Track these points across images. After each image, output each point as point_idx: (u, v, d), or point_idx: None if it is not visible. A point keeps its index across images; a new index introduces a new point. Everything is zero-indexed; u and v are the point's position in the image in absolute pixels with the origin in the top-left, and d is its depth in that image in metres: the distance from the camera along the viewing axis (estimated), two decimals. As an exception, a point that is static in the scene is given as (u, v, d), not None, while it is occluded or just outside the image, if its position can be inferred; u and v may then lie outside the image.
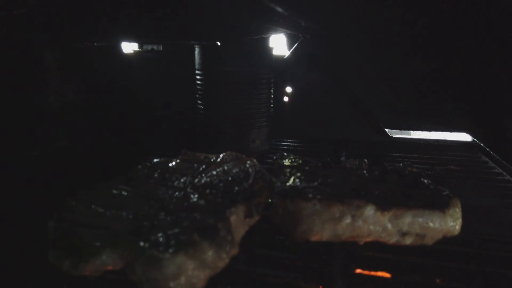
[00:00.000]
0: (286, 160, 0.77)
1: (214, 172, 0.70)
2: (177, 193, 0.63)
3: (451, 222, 0.60)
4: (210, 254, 0.49)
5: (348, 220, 0.58)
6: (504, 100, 1.12)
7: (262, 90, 1.09)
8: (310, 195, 0.59)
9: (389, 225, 0.59)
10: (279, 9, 0.75)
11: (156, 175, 0.71)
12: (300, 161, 0.77)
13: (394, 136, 1.35)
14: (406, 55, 1.22)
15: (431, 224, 0.59)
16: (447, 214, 0.60)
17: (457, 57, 1.17)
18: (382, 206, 0.59)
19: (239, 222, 0.57)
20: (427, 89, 1.25)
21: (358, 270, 0.60)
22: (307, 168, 0.73)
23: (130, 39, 1.13)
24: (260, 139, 1.12)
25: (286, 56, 1.33)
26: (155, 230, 0.52)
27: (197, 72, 1.10)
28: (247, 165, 0.71)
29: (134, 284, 0.49)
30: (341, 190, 0.63)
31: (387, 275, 0.59)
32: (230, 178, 0.66)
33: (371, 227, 0.59)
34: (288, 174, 0.70)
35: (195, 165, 0.75)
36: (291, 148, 1.27)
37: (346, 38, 1.27)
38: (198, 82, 1.10)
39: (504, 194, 0.89)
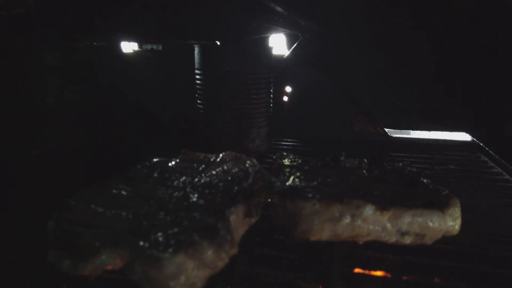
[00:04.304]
0: (286, 160, 0.77)
1: (214, 172, 0.70)
2: (176, 192, 0.63)
3: (451, 222, 0.60)
4: (209, 253, 0.49)
5: (347, 219, 0.58)
6: (503, 100, 1.12)
7: (261, 90, 1.09)
8: (310, 195, 0.59)
9: (388, 225, 0.59)
10: (279, 9, 0.75)
11: (155, 175, 0.71)
12: (300, 161, 0.77)
13: (394, 136, 1.35)
14: (406, 55, 1.23)
15: (431, 224, 0.59)
16: (447, 213, 0.60)
17: (457, 56, 1.17)
18: (382, 205, 0.59)
19: (238, 221, 0.57)
20: (427, 89, 1.25)
21: (358, 270, 0.60)
22: (306, 167, 0.73)
23: (129, 38, 1.13)
24: (260, 138, 1.12)
25: (286, 56, 1.33)
26: (154, 230, 0.52)
27: (196, 72, 1.10)
28: (247, 165, 0.71)
29: (134, 284, 0.49)
30: (340, 189, 0.63)
31: (387, 274, 0.59)
32: (229, 178, 0.66)
33: (371, 226, 0.59)
34: (287, 174, 0.70)
35: (195, 164, 0.75)
36: (290, 148, 1.27)
37: (346, 37, 1.27)
38: (198, 82, 1.10)
39: (503, 193, 0.89)
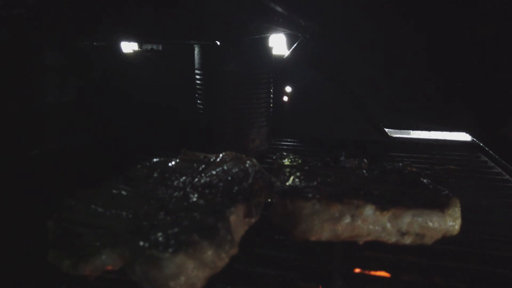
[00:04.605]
0: (286, 160, 0.77)
1: (214, 172, 0.70)
2: (176, 192, 0.63)
3: (451, 222, 0.60)
4: (209, 253, 0.49)
5: (347, 219, 0.58)
6: (503, 100, 1.12)
7: (261, 90, 1.09)
8: (310, 195, 0.59)
9: (388, 225, 0.59)
10: (279, 9, 0.75)
11: (155, 175, 0.71)
12: (300, 161, 0.77)
13: (394, 136, 1.35)
14: (406, 55, 1.22)
15: (431, 224, 0.59)
16: (447, 213, 0.60)
17: (457, 57, 1.17)
18: (382, 205, 0.59)
19: (238, 221, 0.57)
20: (427, 89, 1.25)
21: (358, 270, 0.60)
22: (306, 167, 0.74)
23: (129, 38, 1.13)
24: (260, 138, 1.12)
25: (286, 56, 1.33)
26: (154, 230, 0.52)
27: (196, 72, 1.10)
28: (247, 165, 0.71)
29: (134, 284, 0.49)
30: (340, 189, 0.63)
31: (386, 274, 0.59)
32: (229, 178, 0.66)
33: (371, 226, 0.59)
34: (287, 174, 0.70)
35: (195, 164, 0.75)
36: (290, 148, 1.27)
37: (346, 37, 1.27)
38: (198, 82, 1.10)
39: (503, 193, 0.89)
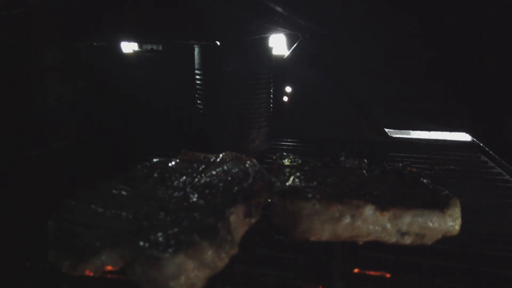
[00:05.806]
0: (286, 160, 0.77)
1: (214, 172, 0.70)
2: (176, 193, 0.63)
3: (451, 222, 0.60)
4: (209, 254, 0.49)
5: (347, 220, 0.58)
6: (503, 100, 1.12)
7: (261, 90, 1.09)
8: (310, 195, 0.59)
9: (388, 225, 0.59)
10: (279, 9, 0.75)
11: (155, 175, 0.71)
12: (300, 161, 0.77)
13: (394, 136, 1.35)
14: (406, 55, 1.23)
15: (431, 224, 0.59)
16: (447, 214, 0.60)
17: (457, 56, 1.17)
18: (382, 206, 0.59)
19: (238, 222, 0.57)
20: (427, 89, 1.25)
21: (358, 270, 0.60)
22: (306, 168, 0.73)
23: (129, 38, 1.13)
24: (260, 139, 1.12)
25: (286, 56, 1.33)
26: (154, 230, 0.52)
27: (196, 72, 1.10)
28: (247, 165, 0.71)
29: (134, 284, 0.49)
30: (340, 190, 0.63)
31: (386, 275, 0.59)
32: (229, 178, 0.66)
33: (371, 227, 0.59)
34: (287, 174, 0.70)
35: (195, 165, 0.75)
36: (290, 148, 1.27)
37: (346, 38, 1.27)
38: (198, 82, 1.10)
39: (503, 193, 0.89)
